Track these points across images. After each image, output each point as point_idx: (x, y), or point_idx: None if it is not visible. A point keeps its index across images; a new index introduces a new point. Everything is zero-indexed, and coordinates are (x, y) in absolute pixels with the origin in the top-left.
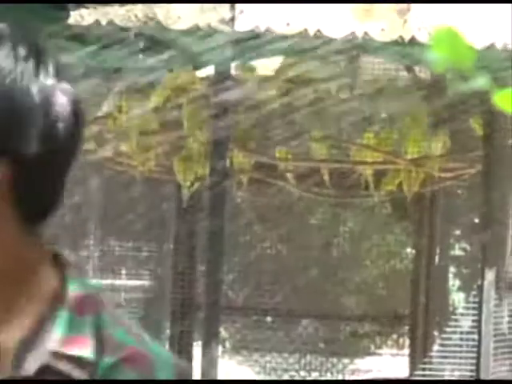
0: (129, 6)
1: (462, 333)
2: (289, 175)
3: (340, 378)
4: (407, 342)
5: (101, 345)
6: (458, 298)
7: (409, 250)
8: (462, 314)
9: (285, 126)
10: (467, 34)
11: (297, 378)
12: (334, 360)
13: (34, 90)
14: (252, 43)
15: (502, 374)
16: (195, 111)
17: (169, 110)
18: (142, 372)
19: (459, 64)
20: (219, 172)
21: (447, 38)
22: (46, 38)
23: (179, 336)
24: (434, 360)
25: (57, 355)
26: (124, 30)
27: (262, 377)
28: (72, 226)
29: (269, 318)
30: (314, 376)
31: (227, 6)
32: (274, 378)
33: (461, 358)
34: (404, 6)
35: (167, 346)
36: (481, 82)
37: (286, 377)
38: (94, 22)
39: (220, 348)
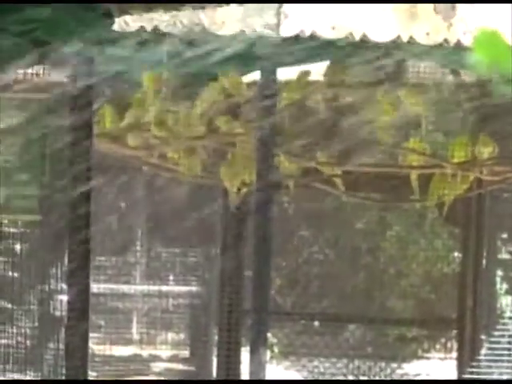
0: (174, 12)
1: (510, 336)
2: (336, 180)
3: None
4: (455, 345)
5: None
6: (505, 302)
7: (456, 253)
8: (509, 318)
9: (331, 130)
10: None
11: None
12: (382, 364)
13: None
14: (297, 48)
15: None
16: (241, 117)
17: (215, 116)
18: None
19: (502, 66)
20: (266, 177)
21: (489, 41)
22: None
23: (227, 341)
24: (482, 363)
25: None
26: (169, 35)
27: (307, 379)
28: (120, 232)
29: (316, 323)
30: (362, 379)
31: (272, 11)
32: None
33: (509, 361)
34: (449, 9)
35: (215, 351)
36: None
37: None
38: (139, 28)
39: (268, 353)
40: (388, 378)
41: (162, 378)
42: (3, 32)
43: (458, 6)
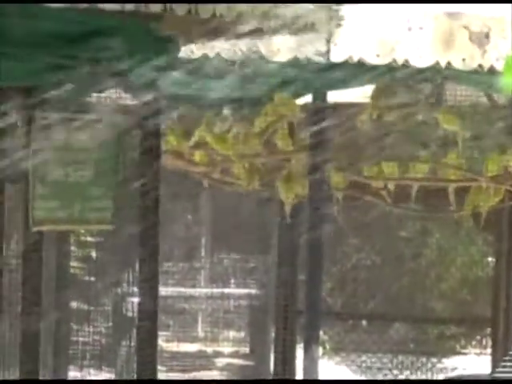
0: (234, 41)
1: None
2: (381, 192)
3: (429, 376)
4: (489, 342)
5: None
6: None
7: (490, 258)
8: None
9: (377, 147)
10: None
11: (390, 376)
12: (424, 359)
13: None
14: (346, 73)
15: None
16: (295, 136)
17: (271, 135)
18: None
19: None
20: (317, 190)
21: None
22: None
23: (283, 339)
24: None
25: None
26: (229, 63)
27: (358, 376)
28: (186, 240)
29: (364, 322)
30: (406, 375)
31: (323, 39)
32: (369, 376)
33: None
34: (483, 37)
35: (273, 348)
36: None
37: (379, 375)
38: (202, 55)
39: (320, 349)
40: (429, 372)
41: (225, 373)
42: (80, 60)
43: (492, 34)
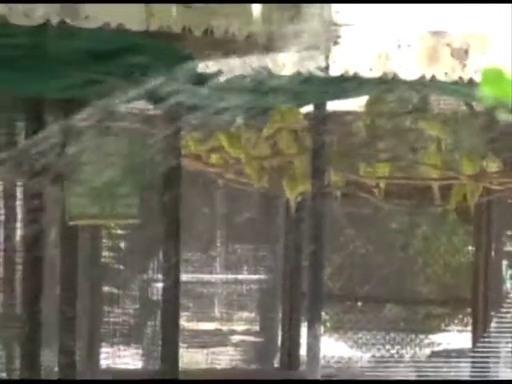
0: (244, 58)
1: None
2: (374, 190)
3: (417, 350)
4: (470, 320)
5: None
6: (510, 285)
7: (470, 247)
8: None
9: (370, 150)
10: None
11: (383, 351)
12: (413, 336)
13: None
14: (343, 86)
15: None
16: (299, 140)
17: (278, 140)
18: None
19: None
20: (319, 188)
21: (494, 78)
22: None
23: (289, 318)
24: (492, 335)
25: None
26: (240, 77)
27: (354, 351)
28: (203, 232)
29: (360, 303)
30: (397, 348)
31: (323, 56)
32: (364, 351)
33: None
34: (463, 53)
35: (280, 327)
36: None
37: (374, 350)
38: (217, 71)
39: (322, 328)
40: (417, 347)
41: (238, 348)
42: (110, 75)
43: (471, 50)
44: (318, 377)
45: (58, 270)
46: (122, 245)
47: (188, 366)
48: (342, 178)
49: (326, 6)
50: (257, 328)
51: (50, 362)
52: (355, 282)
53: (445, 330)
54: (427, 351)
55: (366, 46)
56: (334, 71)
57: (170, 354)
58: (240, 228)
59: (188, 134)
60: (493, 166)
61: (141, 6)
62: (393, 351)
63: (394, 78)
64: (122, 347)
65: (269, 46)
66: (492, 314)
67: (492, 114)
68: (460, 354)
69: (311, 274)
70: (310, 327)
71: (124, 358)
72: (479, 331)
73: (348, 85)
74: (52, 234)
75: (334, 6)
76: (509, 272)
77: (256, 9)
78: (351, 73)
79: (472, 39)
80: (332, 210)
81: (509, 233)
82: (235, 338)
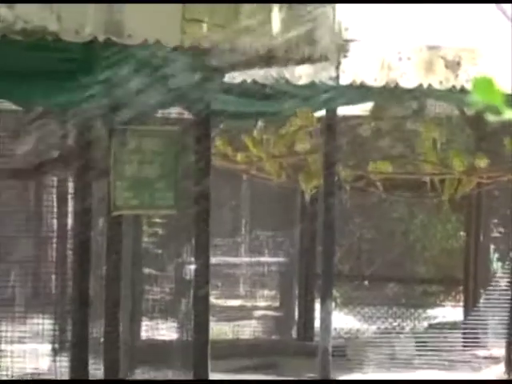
0: (266, 69)
1: (500, 290)
2: (378, 184)
3: (416, 323)
4: (462, 297)
5: None
6: (496, 266)
7: (462, 233)
8: (500, 277)
9: (375, 149)
10: (502, 80)
11: (386, 324)
12: (412, 310)
13: None
14: (351, 93)
15: None
16: (313, 141)
17: (295, 140)
18: None
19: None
20: (330, 182)
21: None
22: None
23: (305, 295)
24: (481, 309)
25: None
26: (263, 85)
27: (361, 323)
28: (230, 220)
29: (366, 282)
30: (398, 322)
31: (334, 67)
32: (370, 324)
33: (500, 307)
34: (455, 65)
35: (297, 303)
36: (509, 115)
37: (378, 323)
38: (242, 81)
39: (333, 303)
40: (416, 320)
41: (261, 321)
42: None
43: (463, 62)
44: (330, 346)
45: (105, 254)
46: (160, 232)
47: (217, 337)
48: (350, 174)
49: (336, 23)
50: (276, 304)
51: (97, 333)
52: (362, 263)
53: (440, 305)
54: (425, 324)
55: (371, 58)
56: (344, 80)
57: (201, 327)
58: (261, 217)
59: (217, 135)
60: (481, 162)
61: (175, 25)
62: (395, 324)
63: (395, 86)
64: (159, 321)
65: (286, 58)
66: (481, 291)
67: (481, 117)
68: (453, 325)
69: (323, 257)
70: (322, 303)
71: (161, 331)
72: (470, 306)
73: (355, 92)
74: (99, 222)
75: (344, 24)
76: (495, 255)
77: (276, 27)
78: (358, 82)
79: (463, 52)
80: (341, 202)
81: (495, 221)
82: (258, 313)
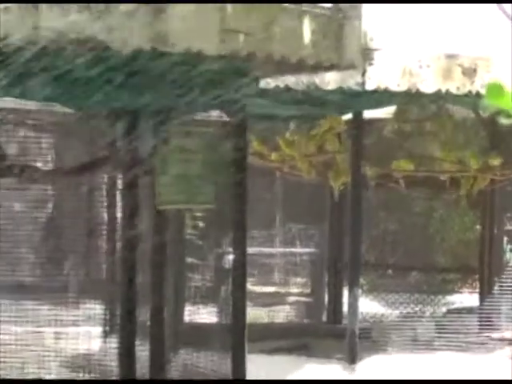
0: (297, 76)
1: None
2: (400, 181)
3: (436, 308)
4: (478, 284)
5: None
6: (509, 256)
7: (477, 226)
8: None
9: (397, 149)
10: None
11: (408, 309)
12: (432, 297)
13: None
14: (376, 97)
15: None
16: (341, 141)
17: (324, 141)
18: None
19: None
20: (357, 179)
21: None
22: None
23: (334, 283)
24: (495, 295)
25: None
26: (295, 91)
27: (386, 308)
28: (265, 214)
29: (390, 271)
30: (419, 307)
31: (360, 74)
32: (393, 309)
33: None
34: (472, 72)
35: (327, 289)
36: None
37: (401, 308)
38: (275, 86)
39: (360, 290)
40: (435, 306)
41: (293, 307)
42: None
43: (478, 69)
44: (357, 329)
45: (150, 245)
46: (201, 224)
47: (253, 321)
48: (375, 171)
49: (362, 34)
50: (308, 291)
51: (144, 317)
52: (386, 254)
53: (457, 292)
54: (443, 309)
55: (394, 66)
56: (369, 86)
57: (239, 311)
58: (294, 211)
59: (253, 136)
60: (495, 161)
61: (215, 34)
62: (416, 309)
63: (416, 91)
64: (201, 306)
65: (316, 66)
66: (495, 279)
67: (494, 119)
68: (469, 310)
69: (351, 248)
70: (350, 290)
71: (203, 315)
72: (485, 293)
73: (380, 97)
74: (145, 216)
75: (369, 34)
76: (508, 246)
77: (306, 37)
78: (382, 87)
79: (479, 61)
80: (367, 197)
81: (508, 214)
82: (290, 299)
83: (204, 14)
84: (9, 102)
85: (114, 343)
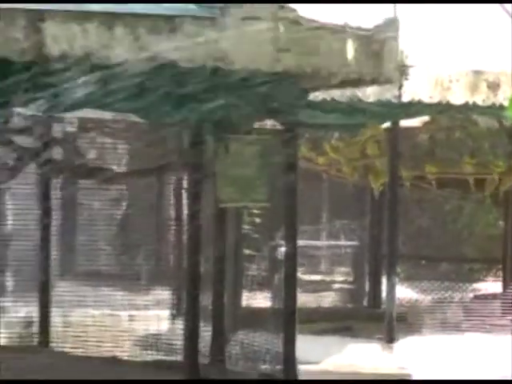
0: (342, 89)
1: None
2: (432, 182)
3: (464, 295)
4: (501, 273)
5: None
6: None
7: (501, 222)
8: None
9: (430, 154)
10: None
11: (439, 295)
12: (460, 284)
13: None
14: (411, 109)
15: None
16: (380, 147)
17: (366, 146)
18: None
19: None
20: (394, 180)
21: None
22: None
23: (374, 272)
24: None
25: None
26: (340, 103)
27: (419, 295)
28: (313, 211)
29: (423, 261)
30: (449, 293)
31: (397, 87)
32: (426, 294)
33: None
34: (496, 85)
35: (367, 278)
36: None
37: (433, 294)
38: (323, 99)
39: (396, 278)
40: (464, 292)
41: (338, 293)
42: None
43: (502, 84)
44: (394, 312)
45: (212, 239)
46: (257, 220)
47: (302, 306)
48: (410, 174)
49: (399, 52)
50: (351, 279)
51: (206, 302)
52: (420, 246)
53: (483, 280)
54: (470, 295)
55: (427, 80)
56: (405, 98)
57: (290, 297)
58: (339, 209)
59: (303, 143)
60: None
61: (269, 53)
62: (446, 295)
63: (446, 103)
64: (257, 292)
65: (359, 81)
66: None
67: None
68: (494, 296)
69: (389, 241)
70: (388, 278)
71: (258, 300)
72: (508, 281)
73: (414, 108)
74: (208, 212)
75: (405, 52)
76: None
77: (350, 55)
78: (416, 100)
79: (502, 76)
80: (403, 196)
81: None
82: (335, 286)
83: (259, 35)
84: (88, 112)
85: (180, 325)
